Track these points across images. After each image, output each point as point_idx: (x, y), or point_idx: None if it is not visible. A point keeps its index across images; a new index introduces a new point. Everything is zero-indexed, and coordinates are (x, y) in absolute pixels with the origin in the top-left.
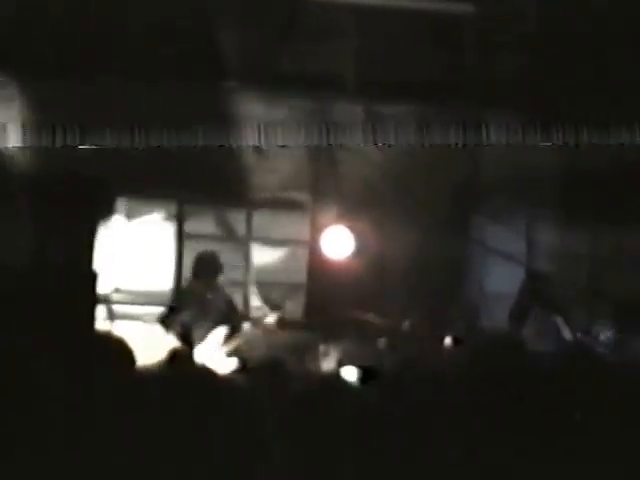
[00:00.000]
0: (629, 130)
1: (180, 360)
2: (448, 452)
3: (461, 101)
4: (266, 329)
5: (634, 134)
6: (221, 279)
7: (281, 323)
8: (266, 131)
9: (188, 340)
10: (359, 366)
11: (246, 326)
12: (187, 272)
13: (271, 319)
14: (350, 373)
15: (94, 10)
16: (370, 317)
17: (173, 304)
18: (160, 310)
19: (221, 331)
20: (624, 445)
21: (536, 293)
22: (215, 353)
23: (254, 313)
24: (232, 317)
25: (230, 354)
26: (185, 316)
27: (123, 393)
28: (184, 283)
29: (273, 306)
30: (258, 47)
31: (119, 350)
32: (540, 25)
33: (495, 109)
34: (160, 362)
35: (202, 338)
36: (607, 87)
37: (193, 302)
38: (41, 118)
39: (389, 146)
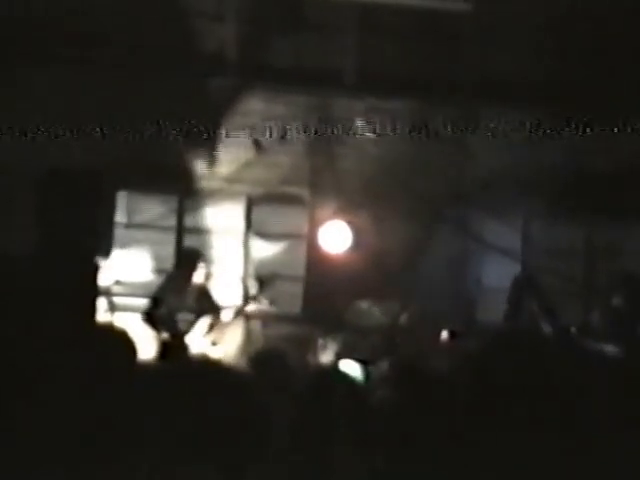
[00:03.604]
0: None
1: (173, 351)
2: (448, 448)
3: (459, 97)
4: (264, 321)
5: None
6: (204, 271)
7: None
8: (266, 127)
9: (175, 331)
10: (357, 359)
11: (239, 318)
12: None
13: (251, 308)
14: (348, 366)
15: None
16: (368, 310)
17: (156, 296)
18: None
19: (204, 321)
20: (624, 441)
21: (529, 286)
22: (200, 342)
23: (252, 306)
24: (212, 308)
25: (214, 343)
26: (167, 308)
27: (125, 384)
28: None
29: (249, 297)
30: (258, 42)
31: (121, 342)
32: (538, 22)
33: (492, 105)
34: (155, 354)
35: (187, 329)
36: (605, 85)
37: (174, 294)
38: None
39: (388, 140)
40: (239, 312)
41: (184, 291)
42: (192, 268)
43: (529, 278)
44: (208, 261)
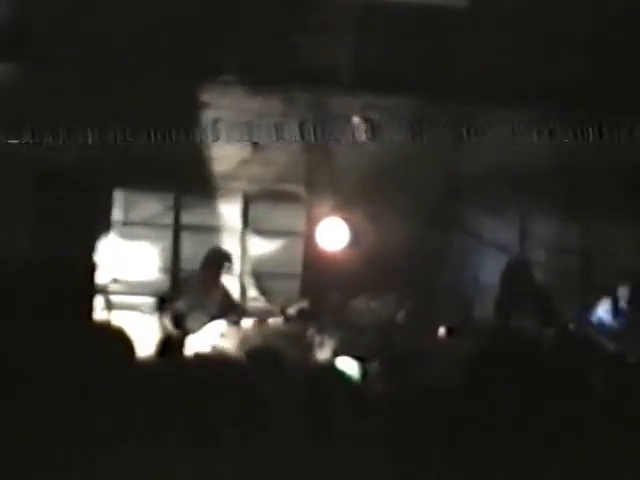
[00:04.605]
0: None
1: (172, 348)
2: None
3: (456, 94)
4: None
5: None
6: (227, 273)
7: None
8: (262, 124)
9: (181, 327)
10: (354, 356)
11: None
12: (183, 263)
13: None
14: (345, 363)
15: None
16: (365, 307)
17: (170, 293)
18: (156, 300)
19: (219, 324)
20: (623, 439)
21: (521, 282)
22: (210, 344)
23: (250, 304)
24: (231, 311)
25: (225, 347)
26: (181, 305)
27: (123, 383)
28: (183, 274)
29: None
30: (256, 41)
31: (118, 339)
32: (537, 19)
33: (490, 103)
34: (154, 351)
35: (198, 328)
36: (604, 85)
37: (192, 292)
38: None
39: (385, 140)
40: (260, 320)
41: (208, 291)
42: (219, 269)
43: (525, 267)
44: (234, 263)
